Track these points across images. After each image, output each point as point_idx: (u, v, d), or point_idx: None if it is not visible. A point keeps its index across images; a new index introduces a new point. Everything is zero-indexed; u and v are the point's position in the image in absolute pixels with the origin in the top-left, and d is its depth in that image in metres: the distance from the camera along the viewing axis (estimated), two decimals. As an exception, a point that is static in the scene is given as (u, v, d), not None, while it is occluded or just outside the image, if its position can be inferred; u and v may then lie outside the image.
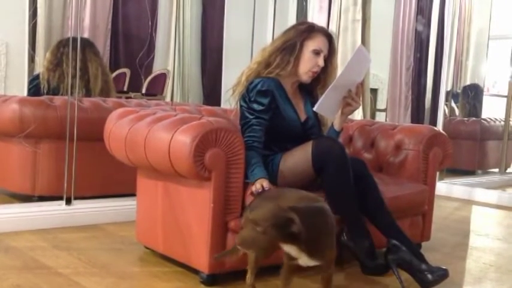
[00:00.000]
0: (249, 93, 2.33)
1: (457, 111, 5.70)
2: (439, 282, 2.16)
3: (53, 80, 3.55)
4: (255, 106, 2.30)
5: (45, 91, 3.58)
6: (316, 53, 2.39)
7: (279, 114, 2.35)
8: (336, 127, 2.44)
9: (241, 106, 2.36)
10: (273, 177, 2.29)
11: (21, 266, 2.28)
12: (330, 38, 2.44)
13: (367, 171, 2.39)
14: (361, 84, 2.38)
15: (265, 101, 2.30)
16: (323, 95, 2.30)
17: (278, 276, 2.27)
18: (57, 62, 3.60)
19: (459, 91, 5.71)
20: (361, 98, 2.44)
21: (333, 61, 2.46)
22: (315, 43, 2.39)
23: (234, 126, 2.25)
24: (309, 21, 2.49)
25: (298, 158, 2.29)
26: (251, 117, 2.30)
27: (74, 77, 3.37)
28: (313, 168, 2.25)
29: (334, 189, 2.26)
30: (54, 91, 3.57)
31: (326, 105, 2.31)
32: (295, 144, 2.34)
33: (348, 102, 2.36)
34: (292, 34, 2.40)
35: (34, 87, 3.66)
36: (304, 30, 2.40)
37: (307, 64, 2.39)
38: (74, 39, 3.58)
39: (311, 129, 2.48)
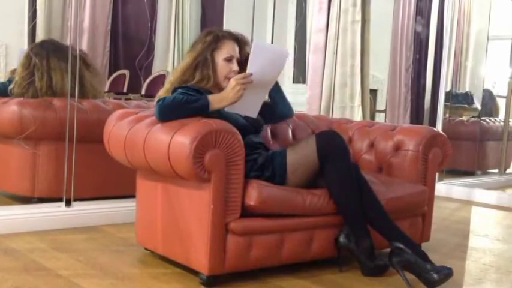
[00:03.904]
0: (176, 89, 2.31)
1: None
2: (445, 281, 2.17)
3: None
4: (186, 90, 2.28)
5: None
6: (228, 60, 2.42)
7: (222, 114, 2.30)
8: None
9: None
10: (281, 177, 2.29)
11: (20, 268, 2.28)
12: (237, 41, 2.47)
13: (361, 174, 2.39)
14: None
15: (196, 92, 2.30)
16: None
17: (278, 277, 2.28)
18: (29, 77, 3.27)
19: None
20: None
21: (241, 61, 2.46)
22: (223, 51, 2.42)
23: (234, 127, 2.25)
24: (214, 29, 2.51)
25: (304, 151, 2.31)
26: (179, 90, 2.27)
27: (46, 92, 3.24)
28: (318, 160, 2.28)
29: (336, 177, 2.29)
30: None
31: (243, 105, 2.27)
32: (256, 136, 2.43)
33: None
34: (200, 48, 2.42)
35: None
36: (211, 41, 2.43)
37: (223, 72, 2.41)
38: (43, 44, 3.42)
39: (257, 121, 2.49)
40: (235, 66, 2.42)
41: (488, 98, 5.85)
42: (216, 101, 2.21)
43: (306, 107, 5.41)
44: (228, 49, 2.42)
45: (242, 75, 2.22)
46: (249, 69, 2.22)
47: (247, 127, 2.41)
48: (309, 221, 2.31)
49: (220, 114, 2.29)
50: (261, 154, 2.35)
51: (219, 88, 2.38)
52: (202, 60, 2.40)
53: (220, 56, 2.41)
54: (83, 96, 3.31)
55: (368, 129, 3.00)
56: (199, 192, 2.13)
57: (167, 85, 2.42)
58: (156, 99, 2.40)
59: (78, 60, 3.23)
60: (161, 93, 2.41)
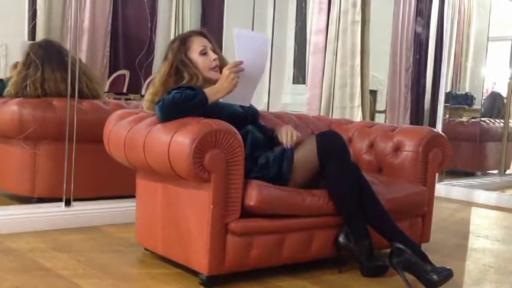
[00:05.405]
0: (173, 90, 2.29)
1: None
2: (445, 282, 2.17)
3: None
4: (182, 90, 2.26)
5: None
6: (203, 53, 2.45)
7: (218, 106, 2.31)
8: None
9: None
10: (284, 177, 2.29)
11: (20, 268, 2.28)
12: (201, 34, 2.52)
13: (362, 175, 2.39)
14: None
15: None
16: None
17: (278, 278, 2.28)
18: (22, 83, 3.20)
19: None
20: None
21: (215, 49, 2.51)
22: (195, 47, 2.45)
23: (233, 127, 2.25)
24: (176, 36, 2.59)
25: (304, 152, 2.31)
26: (176, 90, 2.24)
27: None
28: (318, 160, 2.28)
29: (335, 177, 2.29)
30: None
31: (236, 95, 2.28)
32: (259, 132, 2.41)
33: None
34: (172, 55, 2.44)
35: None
36: (179, 45, 2.46)
37: (205, 65, 2.44)
38: (39, 50, 3.29)
39: (254, 110, 2.54)
40: (213, 55, 2.46)
41: (497, 100, 5.86)
42: (212, 93, 2.22)
43: (305, 108, 5.41)
44: (198, 43, 2.46)
45: (233, 63, 2.24)
46: (238, 57, 2.24)
47: (246, 116, 2.43)
48: (308, 222, 2.31)
49: (217, 106, 2.29)
50: (262, 154, 2.35)
51: (210, 83, 2.36)
52: (180, 64, 2.42)
53: (195, 53, 2.44)
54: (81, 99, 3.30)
55: (368, 130, 3.00)
56: (199, 192, 2.13)
57: (148, 97, 2.42)
58: (144, 106, 2.42)
59: (78, 67, 3.21)
60: (146, 104, 2.41)
